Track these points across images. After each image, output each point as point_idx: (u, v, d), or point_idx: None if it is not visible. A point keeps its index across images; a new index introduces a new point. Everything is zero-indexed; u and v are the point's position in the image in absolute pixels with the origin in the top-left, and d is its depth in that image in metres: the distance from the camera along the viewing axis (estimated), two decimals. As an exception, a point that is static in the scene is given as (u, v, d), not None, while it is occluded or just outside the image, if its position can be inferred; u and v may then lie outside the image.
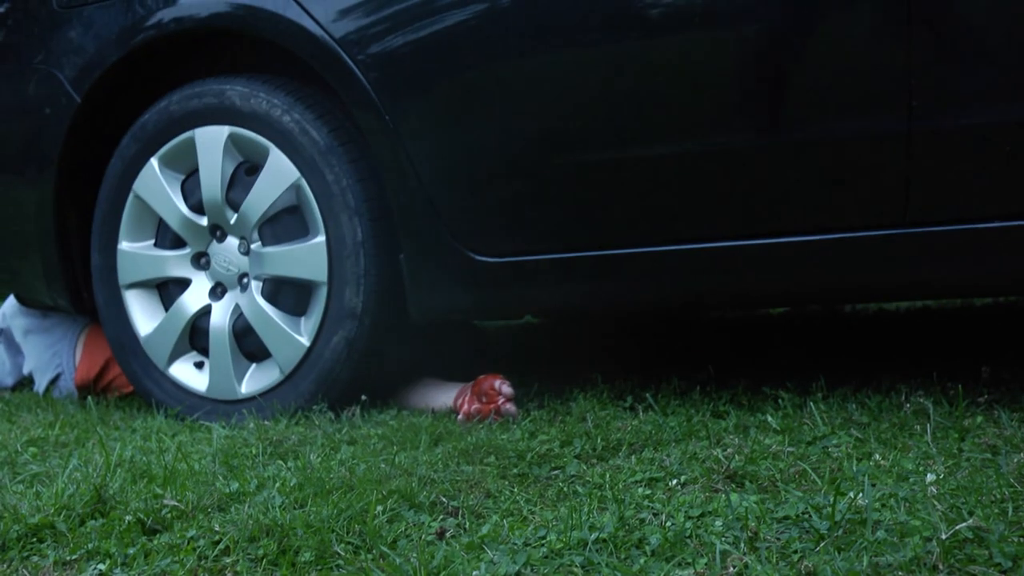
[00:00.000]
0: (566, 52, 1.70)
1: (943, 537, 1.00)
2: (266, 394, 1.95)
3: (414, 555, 1.12)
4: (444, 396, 1.94)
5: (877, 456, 1.36)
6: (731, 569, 1.03)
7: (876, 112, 1.54)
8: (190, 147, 1.99)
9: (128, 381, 2.22)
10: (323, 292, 1.90)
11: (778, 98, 1.59)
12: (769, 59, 1.59)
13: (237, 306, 1.98)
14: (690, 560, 1.07)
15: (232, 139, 1.96)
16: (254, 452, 1.62)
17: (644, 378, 1.99)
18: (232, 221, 1.97)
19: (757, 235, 1.64)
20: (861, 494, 1.15)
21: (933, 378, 1.74)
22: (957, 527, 1.02)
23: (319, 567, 1.14)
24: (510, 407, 1.80)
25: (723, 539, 1.10)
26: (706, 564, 1.05)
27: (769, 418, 1.59)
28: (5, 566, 1.23)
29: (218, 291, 2.02)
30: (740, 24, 1.59)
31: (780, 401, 1.71)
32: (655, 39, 1.64)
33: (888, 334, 2.66)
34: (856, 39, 1.55)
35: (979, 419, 1.49)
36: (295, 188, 1.91)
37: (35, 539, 1.29)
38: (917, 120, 1.51)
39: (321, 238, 1.89)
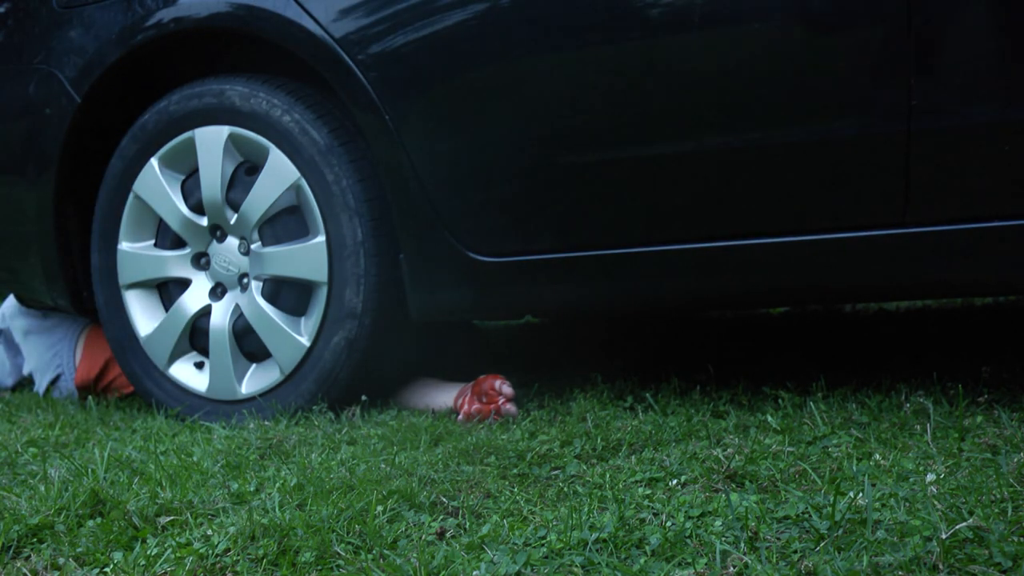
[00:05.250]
0: (566, 52, 1.70)
1: (943, 537, 1.00)
2: (266, 394, 1.95)
3: (414, 555, 1.12)
4: (444, 396, 1.94)
5: (877, 456, 1.36)
6: (731, 569, 1.03)
7: (876, 112, 1.54)
8: (190, 147, 1.99)
9: (128, 381, 2.22)
10: (323, 292, 1.90)
11: (778, 98, 1.59)
12: (769, 59, 1.59)
13: (237, 306, 1.98)
14: (690, 560, 1.07)
15: (232, 139, 1.96)
16: (254, 452, 1.62)
17: (644, 378, 1.99)
18: (232, 221, 1.97)
19: (757, 235, 1.64)
20: (861, 494, 1.15)
21: (933, 378, 1.74)
22: (957, 527, 1.02)
23: (319, 567, 1.14)
24: (510, 407, 1.80)
25: (723, 539, 1.10)
26: (706, 564, 1.05)
27: (769, 418, 1.59)
28: (5, 567, 1.23)
29: (218, 291, 2.03)
30: (740, 25, 1.59)
31: (780, 401, 1.71)
32: (655, 39, 1.64)
33: (888, 334, 2.66)
34: (856, 38, 1.55)
35: (979, 419, 1.49)
36: (295, 188, 1.91)
37: (35, 539, 1.29)
38: (917, 120, 1.51)
39: (321, 238, 1.89)
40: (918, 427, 1.49)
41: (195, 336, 2.04)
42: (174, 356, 2.05)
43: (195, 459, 1.58)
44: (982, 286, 1.83)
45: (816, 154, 1.58)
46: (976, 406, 1.57)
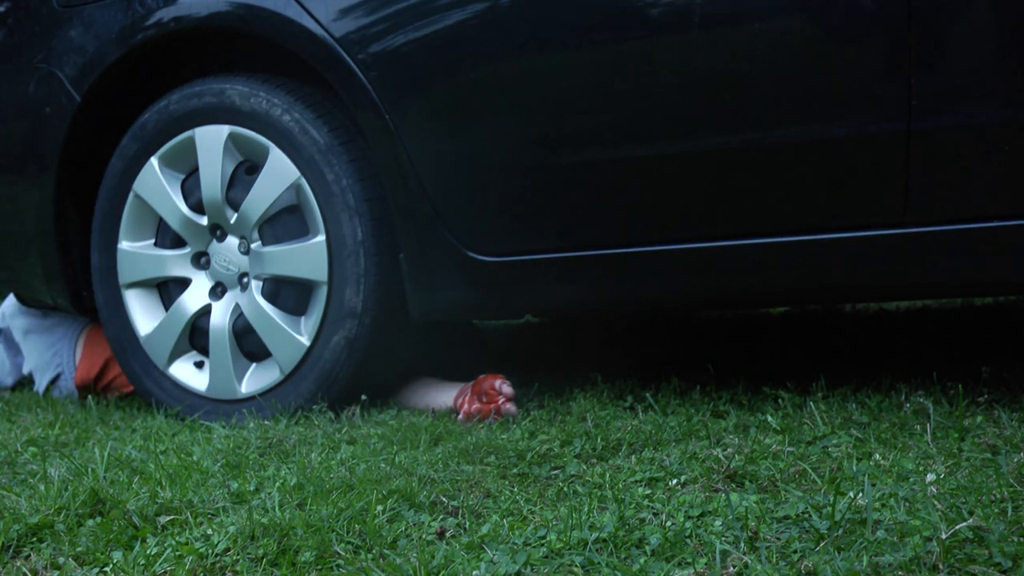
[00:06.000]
0: (565, 51, 1.70)
1: (943, 537, 1.00)
2: (266, 394, 1.95)
3: (414, 555, 1.12)
4: (444, 396, 1.94)
5: (877, 456, 1.36)
6: (731, 569, 1.03)
7: (876, 112, 1.54)
8: (190, 146, 1.99)
9: (128, 381, 2.22)
10: (323, 292, 1.90)
11: (778, 97, 1.59)
12: (770, 58, 1.59)
13: (237, 305, 1.98)
14: (690, 560, 1.07)
15: (232, 138, 1.96)
16: (254, 452, 1.62)
17: (644, 378, 1.99)
18: (232, 220, 1.97)
19: (757, 235, 1.64)
20: (861, 494, 1.15)
21: (933, 378, 1.74)
22: (957, 527, 1.02)
23: (319, 567, 1.14)
24: (510, 407, 1.80)
25: (723, 539, 1.10)
26: (706, 564, 1.05)
27: (769, 418, 1.59)
28: (5, 566, 1.23)
29: (218, 291, 2.02)
30: (740, 25, 1.59)
31: (780, 401, 1.71)
32: (655, 39, 1.64)
33: (888, 334, 2.66)
34: (856, 38, 1.55)
35: (979, 419, 1.49)
36: (295, 188, 1.91)
37: (35, 539, 1.29)
38: (917, 120, 1.50)
39: (321, 237, 1.89)
40: (918, 427, 1.49)
41: (195, 335, 2.04)
42: (174, 355, 2.05)
43: (195, 458, 1.58)
44: (982, 286, 1.83)
45: (816, 154, 1.58)
46: (976, 406, 1.57)
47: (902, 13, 1.49)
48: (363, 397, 1.92)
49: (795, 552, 1.06)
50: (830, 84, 1.56)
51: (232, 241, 2.00)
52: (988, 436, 1.40)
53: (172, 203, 2.01)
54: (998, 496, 1.14)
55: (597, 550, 1.11)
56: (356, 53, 1.81)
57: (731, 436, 1.52)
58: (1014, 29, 1.49)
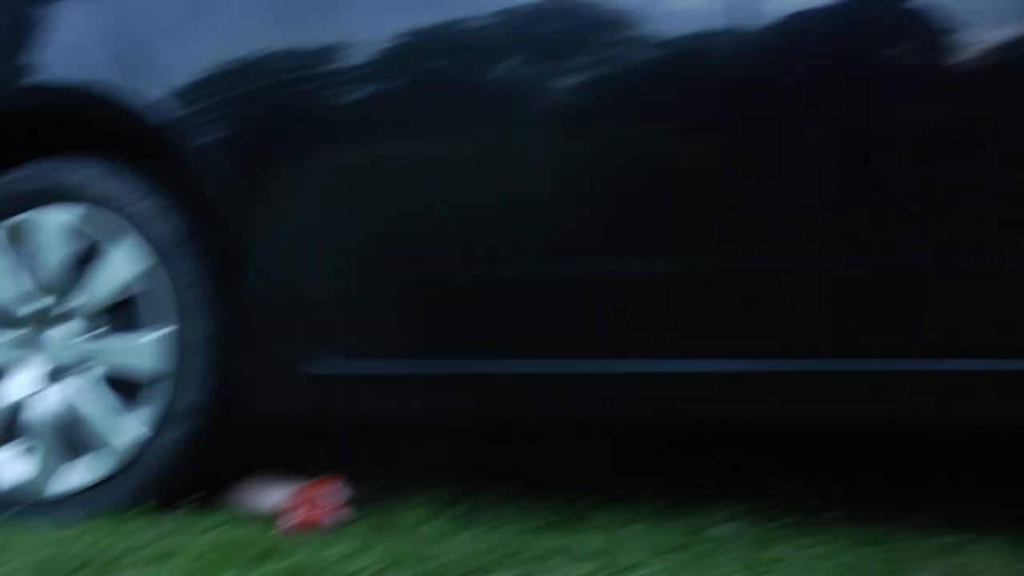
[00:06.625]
0: (405, 159, 1.74)
1: None
2: (93, 489, 1.88)
3: None
4: (275, 497, 1.89)
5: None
6: None
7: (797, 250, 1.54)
8: (29, 228, 1.93)
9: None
10: (161, 386, 1.85)
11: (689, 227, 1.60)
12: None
13: (69, 395, 1.91)
14: None
15: (74, 223, 1.90)
16: (73, 563, 1.55)
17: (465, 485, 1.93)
18: (69, 306, 1.91)
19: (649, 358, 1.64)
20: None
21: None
22: None
23: None
24: (340, 515, 1.78)
25: None
26: None
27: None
28: None
29: (49, 378, 1.94)
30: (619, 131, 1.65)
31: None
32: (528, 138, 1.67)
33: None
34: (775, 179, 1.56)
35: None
36: (139, 277, 1.87)
37: None
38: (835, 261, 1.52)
39: (163, 331, 1.86)
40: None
41: (18, 425, 1.94)
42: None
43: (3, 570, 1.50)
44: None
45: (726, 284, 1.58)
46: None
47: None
48: (196, 495, 1.86)
49: None
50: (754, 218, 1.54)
51: (68, 327, 1.93)
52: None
53: (6, 284, 1.93)
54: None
55: None
56: (192, 139, 1.79)
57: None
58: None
